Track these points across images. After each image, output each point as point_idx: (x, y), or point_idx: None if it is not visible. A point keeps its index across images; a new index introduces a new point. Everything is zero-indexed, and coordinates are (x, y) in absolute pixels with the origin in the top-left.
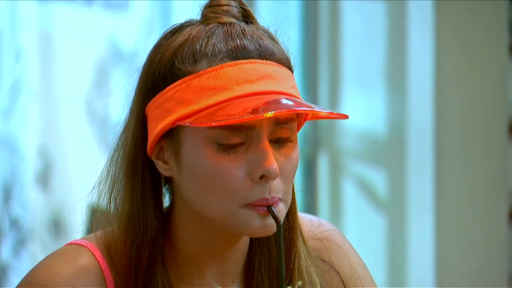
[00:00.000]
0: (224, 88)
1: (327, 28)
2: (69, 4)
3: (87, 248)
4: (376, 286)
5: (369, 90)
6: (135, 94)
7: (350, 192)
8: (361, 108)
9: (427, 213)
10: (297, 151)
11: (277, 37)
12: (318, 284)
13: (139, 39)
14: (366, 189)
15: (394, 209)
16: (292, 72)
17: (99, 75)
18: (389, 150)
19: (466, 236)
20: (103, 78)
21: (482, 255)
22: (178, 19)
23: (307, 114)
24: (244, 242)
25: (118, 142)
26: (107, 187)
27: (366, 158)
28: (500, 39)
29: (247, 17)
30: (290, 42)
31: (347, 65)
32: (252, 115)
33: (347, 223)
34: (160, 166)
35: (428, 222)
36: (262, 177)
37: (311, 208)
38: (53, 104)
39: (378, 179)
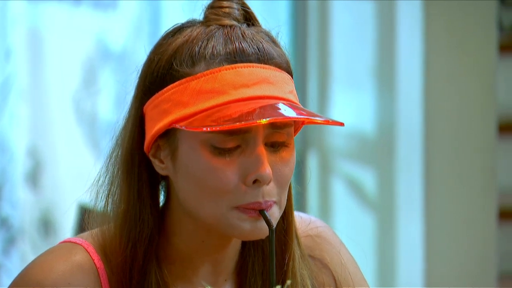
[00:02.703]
0: (220, 91)
1: (316, 28)
2: (58, 3)
3: (81, 245)
4: (366, 283)
5: (359, 89)
6: (134, 93)
7: (339, 191)
8: (350, 107)
9: (416, 212)
10: (294, 155)
11: (279, 40)
12: (310, 287)
13: (128, 39)
14: (355, 188)
15: (383, 208)
16: (291, 76)
17: (88, 74)
18: (378, 149)
19: (455, 235)
20: (92, 77)
21: (472, 254)
22: (167, 18)
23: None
24: (237, 241)
25: (117, 140)
26: (105, 185)
27: (355, 157)
28: (489, 38)
29: (249, 19)
30: (286, 45)
31: (337, 64)
32: (245, 121)
33: (336, 222)
34: (157, 165)
35: (417, 221)
36: (255, 181)
37: (300, 207)
38: (42, 103)
39: (367, 178)
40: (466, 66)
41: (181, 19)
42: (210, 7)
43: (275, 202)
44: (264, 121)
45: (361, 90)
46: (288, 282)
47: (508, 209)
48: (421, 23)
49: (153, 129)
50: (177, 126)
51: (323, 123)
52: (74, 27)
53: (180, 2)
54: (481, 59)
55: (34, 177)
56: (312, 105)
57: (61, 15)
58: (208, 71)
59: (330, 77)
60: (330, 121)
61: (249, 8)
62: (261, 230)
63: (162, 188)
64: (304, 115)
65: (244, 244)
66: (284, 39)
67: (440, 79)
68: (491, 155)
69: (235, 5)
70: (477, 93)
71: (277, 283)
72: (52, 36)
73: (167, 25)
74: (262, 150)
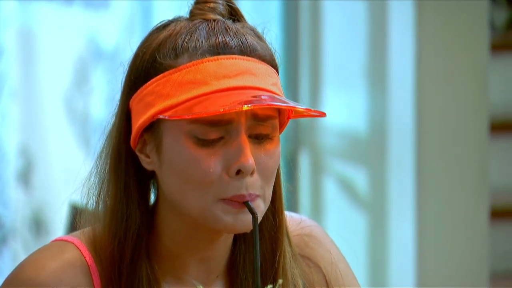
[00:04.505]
0: (202, 82)
1: (308, 27)
2: (50, 3)
3: (72, 243)
4: (357, 282)
5: (350, 88)
6: (121, 89)
7: (331, 191)
8: (342, 107)
9: (408, 212)
10: (278, 149)
11: (264, 36)
12: (301, 287)
13: (120, 38)
14: (347, 187)
15: (375, 207)
16: (276, 70)
17: (80, 74)
18: (370, 149)
19: (447, 235)
20: (84, 77)
21: (464, 253)
22: (158, 18)
23: (290, 113)
24: (227, 237)
25: (106, 137)
26: (95, 183)
27: (347, 156)
28: (481, 38)
29: (234, 15)
30: (272, 40)
31: (328, 63)
32: (228, 108)
33: (328, 221)
34: (143, 160)
35: (409, 221)
36: (238, 172)
37: (292, 207)
38: (34, 103)
39: (359, 178)
40: (458, 65)
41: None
42: (196, 3)
43: (258, 196)
44: (246, 107)
45: (353, 89)
46: (280, 281)
47: (500, 209)
48: (413, 22)
49: (137, 122)
50: (160, 116)
51: (305, 112)
52: (66, 26)
53: (172, 2)
54: (473, 59)
55: (25, 177)
56: (304, 104)
57: (53, 14)
58: (190, 63)
59: (322, 76)
60: (313, 110)
61: (234, 4)
62: (245, 223)
63: (153, 186)
64: (285, 103)
65: (236, 241)
66: (270, 35)
67: (432, 79)
68: (483, 155)
69: (219, 1)
70: (469, 93)
71: (268, 281)
72: (44, 35)
73: None
74: (244, 140)
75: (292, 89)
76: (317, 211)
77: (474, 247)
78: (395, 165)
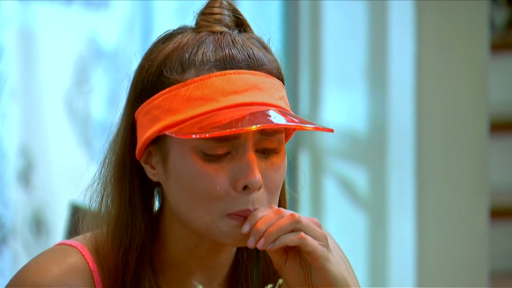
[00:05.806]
0: (210, 98)
1: (308, 27)
2: (50, 3)
3: (76, 248)
4: (359, 284)
5: (350, 88)
6: (126, 99)
7: (331, 191)
8: (342, 107)
9: (408, 212)
10: (284, 162)
11: (270, 47)
12: None
13: (120, 38)
14: (347, 187)
15: (375, 207)
16: (283, 82)
17: (80, 74)
18: (370, 148)
19: (447, 235)
20: (84, 77)
21: (463, 253)
22: (158, 18)
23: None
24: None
25: (110, 146)
26: (98, 189)
27: (347, 156)
28: (481, 38)
29: (240, 25)
30: (278, 51)
31: (328, 63)
32: (234, 128)
33: (328, 221)
34: (148, 171)
35: (409, 221)
36: (245, 187)
37: (292, 207)
38: (34, 103)
39: (359, 177)
40: (458, 65)
41: (173, 19)
42: (201, 14)
43: None
44: (253, 127)
45: (353, 90)
46: (280, 281)
47: (500, 208)
48: (413, 22)
49: (143, 135)
50: (167, 133)
51: (312, 129)
52: (66, 26)
53: (172, 2)
54: (473, 58)
55: (26, 177)
56: (304, 105)
57: (53, 14)
58: (197, 78)
59: (322, 76)
60: (320, 127)
61: (241, 15)
62: None
63: (156, 194)
64: (294, 122)
65: (238, 249)
66: (276, 43)
67: (432, 78)
68: (482, 154)
69: (226, 12)
70: (469, 92)
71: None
72: (44, 35)
73: (159, 24)
74: (252, 156)
75: (293, 90)
76: (317, 211)
77: (474, 247)
78: (395, 165)
